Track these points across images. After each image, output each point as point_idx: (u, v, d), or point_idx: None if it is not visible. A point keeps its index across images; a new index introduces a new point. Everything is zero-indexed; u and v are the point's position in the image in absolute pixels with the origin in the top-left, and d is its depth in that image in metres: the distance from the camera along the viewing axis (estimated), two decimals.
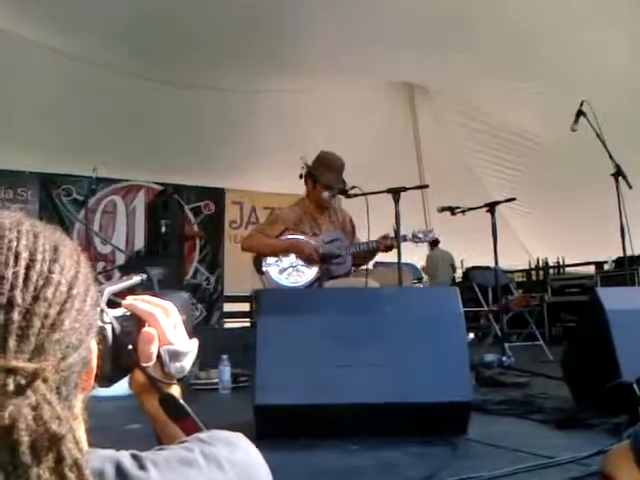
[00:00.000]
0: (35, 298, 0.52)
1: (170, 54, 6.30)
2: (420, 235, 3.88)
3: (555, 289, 8.36)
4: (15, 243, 0.54)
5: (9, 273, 0.52)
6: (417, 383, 2.33)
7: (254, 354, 2.37)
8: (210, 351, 4.14)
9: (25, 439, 0.46)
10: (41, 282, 0.53)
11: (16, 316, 0.50)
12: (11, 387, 0.47)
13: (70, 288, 0.56)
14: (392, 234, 3.76)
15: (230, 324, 8.41)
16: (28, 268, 0.53)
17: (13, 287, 0.51)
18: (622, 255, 4.50)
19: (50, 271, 0.55)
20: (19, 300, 0.51)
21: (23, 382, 0.48)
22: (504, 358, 4.38)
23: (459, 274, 9.83)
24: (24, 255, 0.54)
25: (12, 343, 0.49)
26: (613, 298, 2.93)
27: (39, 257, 0.55)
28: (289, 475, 1.81)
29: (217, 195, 8.57)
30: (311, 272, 3.84)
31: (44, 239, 0.57)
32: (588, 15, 5.27)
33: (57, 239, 0.58)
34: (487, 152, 8.18)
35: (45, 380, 0.49)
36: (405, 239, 3.82)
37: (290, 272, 3.84)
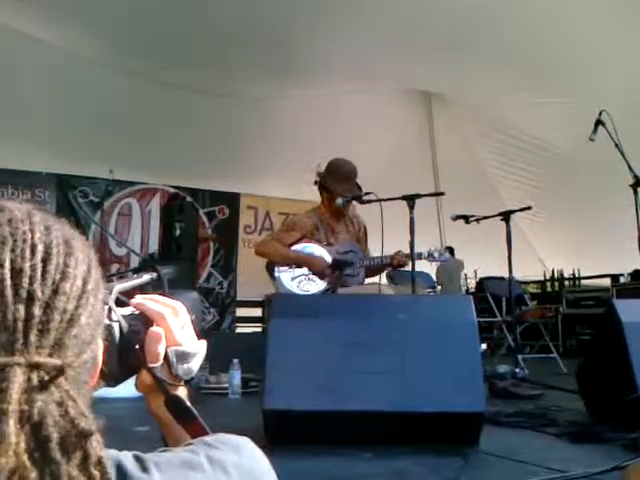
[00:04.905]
0: (54, 292, 0.51)
1: (187, 60, 6.33)
2: (435, 254, 3.90)
3: (570, 301, 8.28)
4: (30, 235, 0.53)
5: (26, 266, 0.51)
6: (429, 392, 2.30)
7: (264, 358, 2.35)
8: (221, 355, 4.14)
9: (55, 436, 0.45)
10: (58, 276, 0.52)
11: (37, 310, 0.49)
12: (35, 383, 0.46)
13: (85, 283, 0.55)
14: (407, 247, 3.76)
15: (242, 329, 8.40)
16: (45, 261, 0.52)
17: (32, 280, 0.50)
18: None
19: (66, 265, 0.53)
20: (39, 294, 0.50)
21: (46, 378, 0.47)
22: (517, 370, 4.33)
23: (472, 284, 9.77)
24: (40, 248, 0.52)
25: (33, 338, 0.48)
26: (630, 310, 2.89)
27: (54, 250, 0.53)
28: None
29: (232, 200, 8.58)
30: (323, 282, 3.83)
31: (56, 232, 0.56)
32: (610, 24, 5.21)
33: (68, 232, 0.57)
34: (504, 161, 8.12)
35: (66, 377, 0.49)
36: (420, 257, 3.82)
37: (302, 280, 3.83)
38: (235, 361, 4.03)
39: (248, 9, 5.41)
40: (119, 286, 0.84)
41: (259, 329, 7.94)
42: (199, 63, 6.40)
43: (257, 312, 8.19)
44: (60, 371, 0.48)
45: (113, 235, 7.54)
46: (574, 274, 9.22)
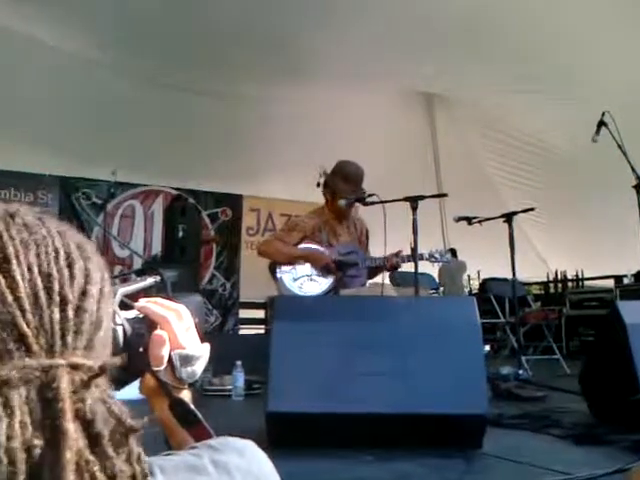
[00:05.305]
0: (82, 294, 0.53)
1: (189, 61, 6.33)
2: (437, 255, 3.90)
3: (573, 302, 8.26)
4: (50, 240, 0.54)
5: (54, 270, 0.52)
6: (432, 394, 2.30)
7: (267, 360, 2.35)
8: (224, 357, 4.14)
9: (105, 432, 0.48)
10: (83, 279, 0.54)
11: (70, 313, 0.51)
12: (78, 383, 0.48)
13: (102, 286, 0.56)
14: (408, 248, 3.77)
15: (245, 331, 8.40)
16: (70, 266, 0.53)
17: (62, 284, 0.51)
18: None
19: (87, 268, 0.55)
20: (70, 297, 0.51)
21: (85, 378, 0.49)
22: (520, 371, 4.33)
23: (475, 285, 9.76)
24: (61, 252, 0.53)
25: (70, 340, 0.50)
26: (634, 312, 2.88)
27: (74, 254, 0.55)
28: None
29: (234, 201, 8.59)
30: (326, 283, 3.83)
31: (70, 236, 0.57)
32: (611, 24, 5.21)
33: (79, 236, 0.58)
34: (506, 162, 8.11)
35: (104, 377, 0.51)
36: (422, 258, 3.81)
37: (304, 281, 3.83)
38: (238, 363, 4.03)
39: (248, 9, 5.40)
40: (123, 289, 0.84)
41: (262, 331, 7.94)
42: (200, 64, 6.40)
43: (260, 314, 8.18)
44: (102, 371, 0.50)
45: (116, 237, 7.55)
46: (577, 275, 9.20)
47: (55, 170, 7.22)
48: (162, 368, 0.82)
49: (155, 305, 0.85)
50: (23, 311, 0.49)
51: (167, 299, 0.87)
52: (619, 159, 4.14)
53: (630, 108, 5.17)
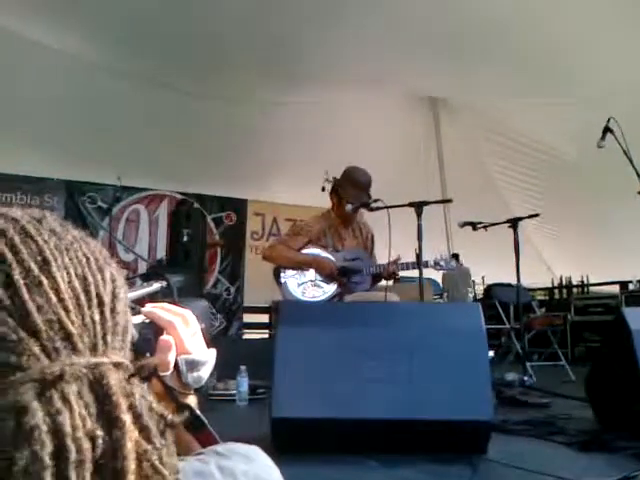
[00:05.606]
0: (114, 297, 0.55)
1: (193, 65, 6.34)
2: (442, 263, 3.91)
3: (578, 308, 8.23)
4: (77, 245, 0.56)
5: (88, 274, 0.54)
6: (437, 400, 2.29)
7: (272, 366, 2.35)
8: (228, 362, 4.13)
9: (152, 426, 0.50)
10: (112, 283, 0.56)
11: (108, 314, 0.53)
12: (122, 380, 0.51)
13: (124, 291, 0.58)
14: (412, 253, 3.78)
15: (249, 335, 8.39)
16: (100, 270, 0.55)
17: (97, 287, 0.54)
18: None
19: (112, 273, 0.57)
20: (106, 299, 0.54)
21: (126, 376, 0.51)
22: (525, 377, 4.31)
23: (480, 291, 9.73)
24: (91, 257, 0.56)
25: (110, 339, 0.52)
26: (639, 318, 2.87)
27: (101, 260, 0.57)
28: None
29: (239, 206, 8.60)
30: (330, 288, 3.83)
31: (92, 242, 0.59)
32: (619, 30, 5.20)
33: (98, 243, 0.60)
34: (512, 167, 8.09)
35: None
36: (427, 265, 3.82)
37: (308, 287, 3.84)
38: (242, 368, 4.02)
39: (248, 9, 5.39)
40: (130, 294, 0.84)
41: (266, 335, 7.93)
42: (205, 70, 6.41)
43: (264, 318, 8.18)
44: (141, 370, 0.53)
45: (121, 241, 7.57)
46: (582, 281, 9.17)
47: (61, 174, 7.25)
48: (168, 373, 0.82)
49: (161, 310, 0.85)
50: (68, 311, 0.50)
51: (173, 304, 0.87)
52: (624, 164, 4.14)
53: (635, 109, 5.16)
